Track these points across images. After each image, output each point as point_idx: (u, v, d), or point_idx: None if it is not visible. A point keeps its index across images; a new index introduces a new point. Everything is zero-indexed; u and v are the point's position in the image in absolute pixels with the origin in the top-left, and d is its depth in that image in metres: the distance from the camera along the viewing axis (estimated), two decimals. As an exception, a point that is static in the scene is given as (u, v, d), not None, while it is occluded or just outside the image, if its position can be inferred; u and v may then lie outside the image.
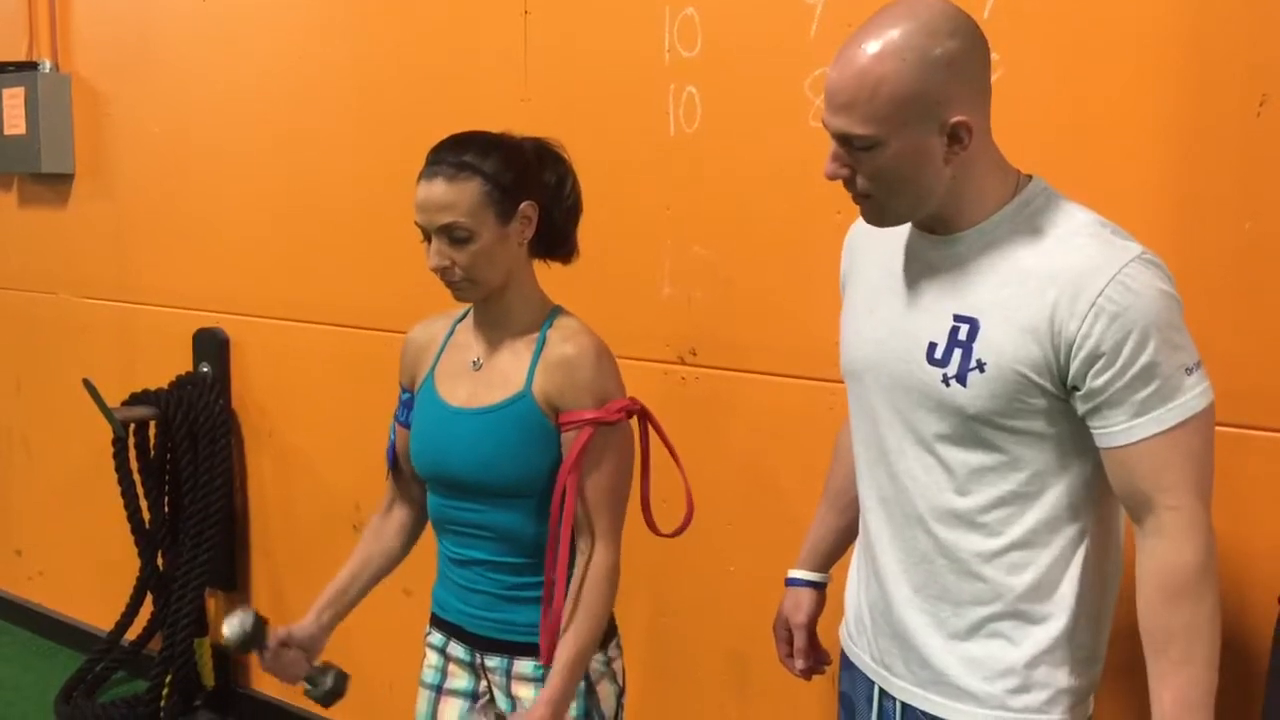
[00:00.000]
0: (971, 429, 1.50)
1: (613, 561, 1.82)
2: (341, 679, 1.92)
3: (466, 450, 1.81)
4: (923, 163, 1.45)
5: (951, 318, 1.50)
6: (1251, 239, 1.83)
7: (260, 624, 1.86)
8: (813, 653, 1.93)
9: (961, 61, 1.43)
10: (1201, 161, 1.87)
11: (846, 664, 1.78)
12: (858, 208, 1.56)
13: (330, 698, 1.91)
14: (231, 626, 1.84)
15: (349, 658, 1.99)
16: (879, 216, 1.54)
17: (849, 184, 1.51)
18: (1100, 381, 1.41)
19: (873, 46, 1.41)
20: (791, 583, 1.93)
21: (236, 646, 1.85)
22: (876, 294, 1.63)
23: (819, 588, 1.92)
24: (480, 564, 1.85)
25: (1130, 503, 1.47)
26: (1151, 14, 1.90)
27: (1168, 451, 1.42)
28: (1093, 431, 1.46)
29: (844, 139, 1.46)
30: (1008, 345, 1.45)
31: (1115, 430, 1.43)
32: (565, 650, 1.77)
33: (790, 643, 1.92)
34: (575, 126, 2.16)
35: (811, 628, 1.92)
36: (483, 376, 1.84)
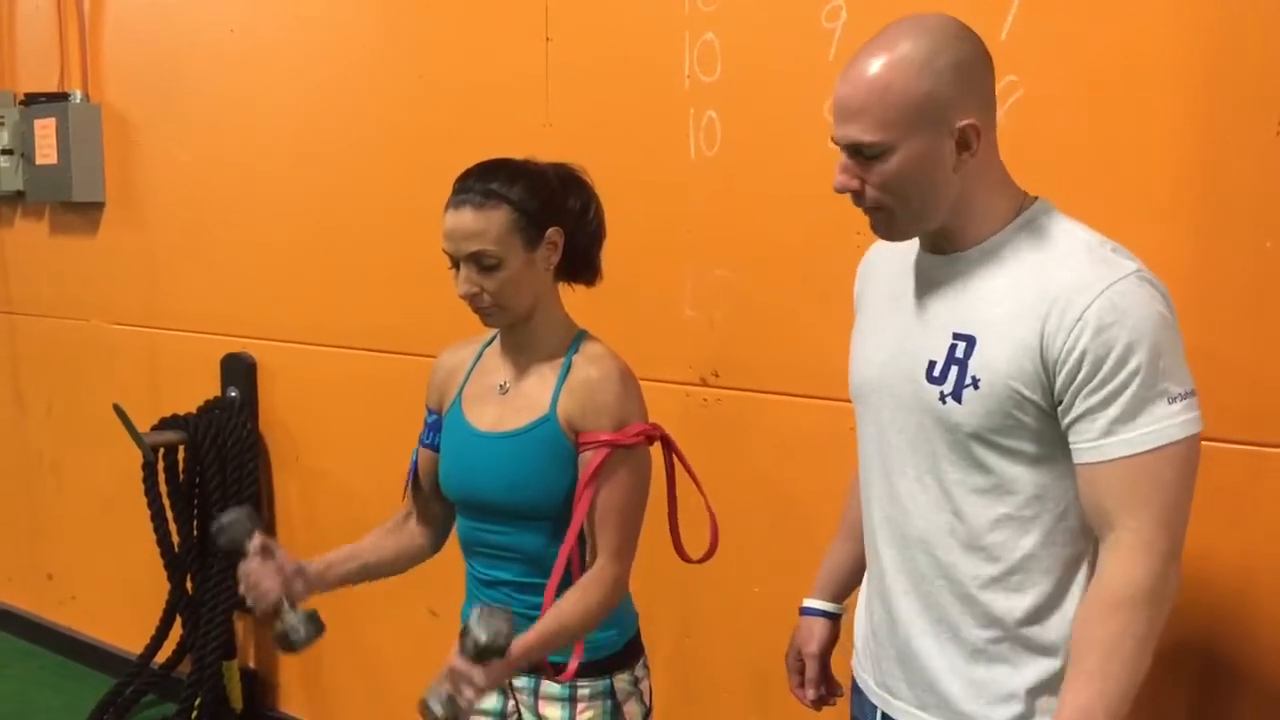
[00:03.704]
0: (968, 449, 1.48)
1: (615, 575, 1.80)
2: (315, 626, 1.82)
3: (493, 473, 1.83)
4: (933, 169, 1.44)
5: (951, 335, 1.49)
6: (1271, 258, 1.83)
7: (254, 517, 1.87)
8: (824, 683, 1.89)
9: (967, 66, 1.43)
10: (1220, 182, 1.88)
11: (855, 688, 1.76)
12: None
13: (300, 640, 1.81)
14: (227, 513, 1.87)
15: (375, 677, 2.00)
16: (889, 229, 1.52)
17: (858, 198, 1.49)
18: (1078, 394, 1.39)
19: (880, 56, 1.42)
20: (806, 612, 1.90)
21: (223, 528, 1.86)
22: (882, 316, 1.63)
23: (833, 618, 1.88)
24: (507, 585, 1.87)
25: (1095, 523, 1.43)
26: (1169, 36, 1.91)
27: (1135, 476, 1.37)
28: (1070, 448, 1.43)
29: (854, 149, 1.45)
30: (1001, 361, 1.44)
31: (1085, 446, 1.40)
32: (547, 621, 1.74)
33: (802, 673, 1.89)
34: (597, 151, 2.18)
35: (825, 658, 1.88)
36: (509, 400, 1.86)
